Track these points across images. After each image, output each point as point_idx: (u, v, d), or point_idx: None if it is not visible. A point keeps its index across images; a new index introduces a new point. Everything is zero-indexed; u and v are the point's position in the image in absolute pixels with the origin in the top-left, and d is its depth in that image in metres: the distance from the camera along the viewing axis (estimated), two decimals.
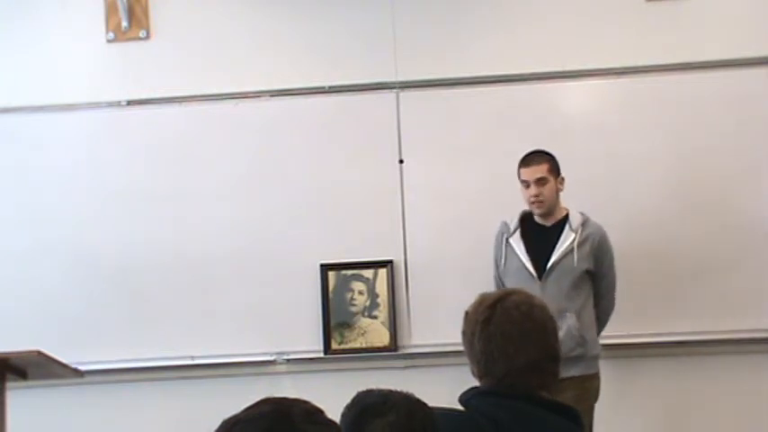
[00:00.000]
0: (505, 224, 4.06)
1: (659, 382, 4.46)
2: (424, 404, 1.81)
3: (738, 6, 4.64)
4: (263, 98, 4.71)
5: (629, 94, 4.58)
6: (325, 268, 4.58)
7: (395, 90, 4.65)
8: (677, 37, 4.57)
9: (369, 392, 1.83)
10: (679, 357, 4.46)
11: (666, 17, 4.59)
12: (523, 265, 3.94)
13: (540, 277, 3.89)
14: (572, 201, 4.03)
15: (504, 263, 4.00)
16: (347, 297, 4.58)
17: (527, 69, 4.61)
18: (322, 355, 4.54)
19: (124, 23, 4.77)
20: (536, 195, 3.93)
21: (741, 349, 4.41)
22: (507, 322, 2.04)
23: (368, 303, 4.58)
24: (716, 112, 4.52)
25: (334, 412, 1.71)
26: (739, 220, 4.46)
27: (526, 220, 4.03)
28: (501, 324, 2.04)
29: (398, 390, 1.83)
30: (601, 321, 4.02)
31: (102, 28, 4.80)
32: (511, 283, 3.89)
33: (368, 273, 4.59)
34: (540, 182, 3.94)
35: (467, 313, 2.12)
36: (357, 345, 4.55)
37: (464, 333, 2.12)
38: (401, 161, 4.61)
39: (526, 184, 3.96)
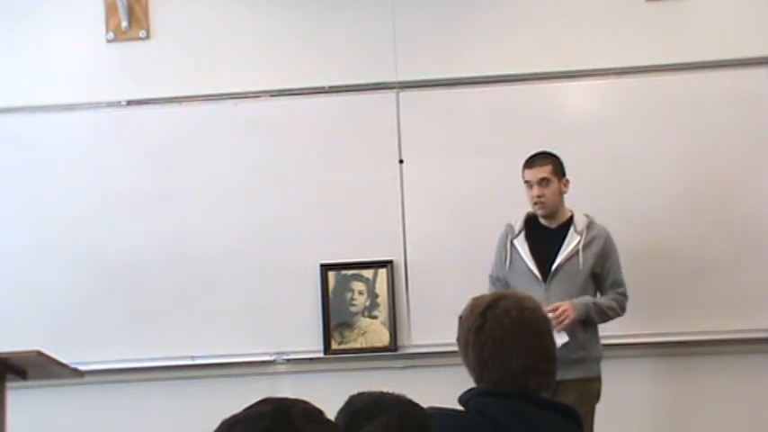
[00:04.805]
0: (510, 226, 4.05)
1: (659, 382, 4.46)
2: (418, 405, 1.79)
3: (738, 6, 4.65)
4: (263, 98, 4.72)
5: (629, 94, 4.58)
6: (325, 268, 4.58)
7: (395, 90, 4.65)
8: (677, 37, 4.58)
9: (360, 395, 1.81)
10: (679, 357, 4.47)
11: (666, 17, 4.60)
12: (528, 267, 3.93)
13: (544, 280, 3.89)
14: (572, 201, 4.03)
15: (509, 265, 3.99)
16: (347, 297, 4.58)
17: (527, 69, 4.61)
18: (322, 355, 4.55)
19: (124, 23, 4.77)
20: (539, 196, 3.92)
21: (741, 349, 4.42)
22: (498, 329, 2.03)
23: (368, 303, 4.58)
24: (716, 112, 4.52)
25: (335, 412, 1.71)
26: (739, 220, 4.47)
27: (531, 222, 4.02)
28: (492, 331, 2.04)
29: (391, 391, 1.82)
30: (606, 306, 3.88)
31: (102, 28, 4.80)
32: (516, 286, 3.87)
33: (368, 273, 4.59)
34: (543, 183, 3.92)
35: (460, 318, 2.12)
36: (357, 345, 4.55)
37: (458, 340, 2.12)
38: (401, 161, 4.61)
39: (529, 184, 3.95)
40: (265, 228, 4.62)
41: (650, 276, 4.40)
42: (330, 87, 4.69)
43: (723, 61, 4.52)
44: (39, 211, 4.68)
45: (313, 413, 1.35)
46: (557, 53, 4.61)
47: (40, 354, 3.20)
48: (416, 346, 4.54)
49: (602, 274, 3.95)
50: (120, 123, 4.74)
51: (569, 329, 3.75)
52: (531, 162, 3.97)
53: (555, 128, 4.53)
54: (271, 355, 4.57)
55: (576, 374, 3.76)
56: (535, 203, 3.95)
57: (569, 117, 4.63)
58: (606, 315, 3.90)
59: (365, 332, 4.56)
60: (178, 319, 4.59)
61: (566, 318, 3.71)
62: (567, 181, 4.00)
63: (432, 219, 4.58)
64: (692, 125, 4.53)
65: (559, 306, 3.72)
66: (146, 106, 4.73)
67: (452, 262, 4.50)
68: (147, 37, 4.79)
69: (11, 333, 4.25)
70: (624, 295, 3.96)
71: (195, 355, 4.58)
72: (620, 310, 3.93)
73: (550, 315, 3.58)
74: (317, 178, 4.64)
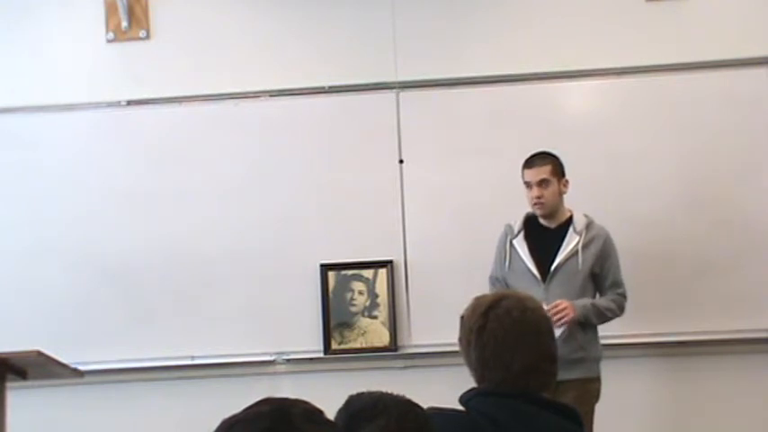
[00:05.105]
0: (510, 227, 4.05)
1: (659, 382, 4.46)
2: (417, 406, 1.78)
3: (738, 6, 4.65)
4: (262, 98, 4.72)
5: (629, 94, 4.58)
6: (325, 268, 4.58)
7: (395, 90, 4.65)
8: (677, 37, 4.58)
9: (359, 396, 1.79)
10: (679, 357, 4.47)
11: (666, 17, 4.60)
12: (527, 267, 3.93)
13: (543, 280, 3.89)
14: (572, 201, 4.03)
15: (509, 265, 3.99)
16: (347, 297, 4.58)
17: (527, 69, 4.61)
18: (322, 355, 4.55)
19: (124, 23, 4.77)
20: (538, 197, 3.93)
21: (741, 349, 4.42)
22: (500, 329, 2.03)
23: (368, 303, 4.58)
24: (716, 112, 4.52)
25: (335, 412, 1.71)
26: (739, 220, 4.47)
27: (530, 222, 4.02)
28: (494, 331, 2.04)
29: (390, 392, 1.81)
30: (605, 308, 3.89)
31: (102, 28, 4.80)
32: (515, 286, 3.87)
33: (368, 273, 4.59)
34: (543, 184, 3.92)
35: (462, 318, 2.12)
36: (357, 345, 4.55)
37: (460, 340, 2.12)
38: (401, 161, 4.61)
39: (528, 185, 3.95)
40: (265, 228, 4.62)
41: (650, 276, 4.40)
42: (330, 87, 4.69)
43: (723, 61, 4.52)
44: (39, 211, 4.67)
45: (313, 413, 1.35)
46: (557, 53, 4.61)
47: (40, 354, 3.20)
48: (416, 346, 4.54)
49: (602, 275, 3.95)
50: (120, 123, 4.74)
51: (568, 328, 3.76)
52: (531, 163, 3.97)
53: (555, 128, 4.53)
54: (271, 355, 4.57)
55: (576, 375, 3.76)
56: (534, 204, 3.96)
57: (569, 117, 4.63)
58: (605, 317, 3.90)
59: (365, 332, 4.56)
60: (178, 319, 4.59)
61: (565, 315, 3.72)
62: (567, 181, 4.00)
63: (432, 219, 4.58)
64: (692, 125, 4.53)
65: (560, 303, 3.73)
66: (146, 106, 4.74)
67: (452, 262, 4.50)
68: (147, 37, 4.79)
69: (11, 333, 4.25)
70: (623, 296, 3.96)
71: (195, 355, 4.58)
72: (618, 310, 3.93)
73: (551, 312, 3.61)
74: (317, 178, 4.64)
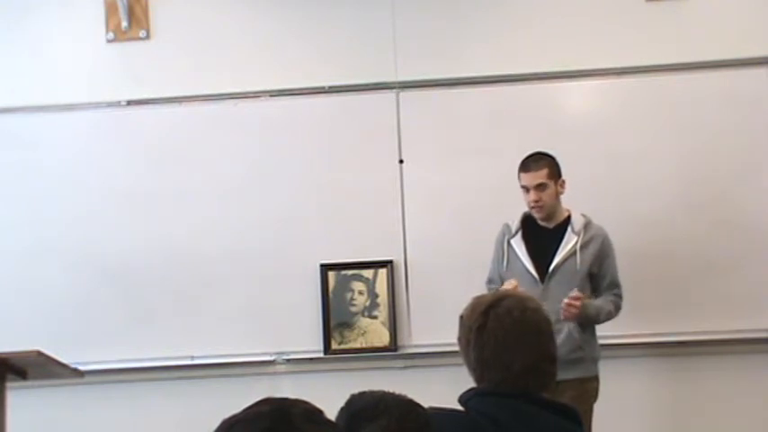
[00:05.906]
0: (507, 226, 4.04)
1: (659, 382, 4.46)
2: (419, 405, 1.78)
3: (738, 6, 4.65)
4: (262, 98, 4.72)
5: (629, 94, 4.58)
6: (325, 268, 4.58)
7: (395, 90, 4.65)
8: (677, 37, 4.58)
9: (361, 395, 1.80)
10: (679, 357, 4.47)
11: (666, 17, 4.60)
12: (525, 267, 3.93)
13: (542, 280, 3.88)
14: (572, 201, 4.02)
15: (507, 265, 3.98)
16: (347, 297, 4.58)
17: (527, 69, 4.61)
18: (322, 355, 4.55)
19: (124, 23, 4.77)
20: (536, 201, 3.92)
21: (741, 349, 4.42)
22: (500, 329, 2.03)
23: (368, 303, 4.58)
24: (716, 112, 4.52)
25: (335, 412, 1.71)
26: (739, 220, 4.47)
27: (528, 222, 4.01)
28: (494, 331, 2.03)
29: (392, 392, 1.81)
30: (605, 311, 3.91)
31: (102, 28, 4.80)
32: None
33: (368, 273, 4.59)
34: (540, 187, 3.91)
35: (461, 318, 2.12)
36: (357, 345, 4.55)
37: (459, 339, 2.12)
38: (401, 161, 4.61)
39: (526, 189, 3.94)
40: (265, 228, 4.62)
41: (650, 276, 4.40)
42: (330, 87, 4.69)
43: (723, 61, 4.52)
44: (39, 211, 4.68)
45: (313, 413, 1.35)
46: (557, 53, 4.61)
47: (40, 354, 3.20)
48: (416, 346, 4.54)
49: (600, 275, 3.95)
50: (120, 123, 4.74)
51: (569, 327, 3.77)
52: (527, 166, 3.95)
53: (555, 128, 4.53)
54: (271, 355, 4.57)
55: (574, 374, 3.76)
56: (532, 207, 3.95)
57: (569, 117, 4.63)
58: (599, 320, 3.90)
59: (365, 332, 4.56)
60: (178, 319, 4.60)
61: (575, 309, 3.71)
62: (563, 181, 3.98)
63: (432, 219, 4.58)
64: (692, 125, 4.53)
65: (579, 298, 3.72)
66: (146, 106, 4.74)
67: (452, 262, 4.50)
68: (147, 37, 4.79)
69: (11, 333, 4.25)
70: (620, 296, 3.96)
71: (195, 355, 4.58)
72: (615, 311, 3.94)
73: (565, 301, 3.66)
74: (317, 178, 4.64)
